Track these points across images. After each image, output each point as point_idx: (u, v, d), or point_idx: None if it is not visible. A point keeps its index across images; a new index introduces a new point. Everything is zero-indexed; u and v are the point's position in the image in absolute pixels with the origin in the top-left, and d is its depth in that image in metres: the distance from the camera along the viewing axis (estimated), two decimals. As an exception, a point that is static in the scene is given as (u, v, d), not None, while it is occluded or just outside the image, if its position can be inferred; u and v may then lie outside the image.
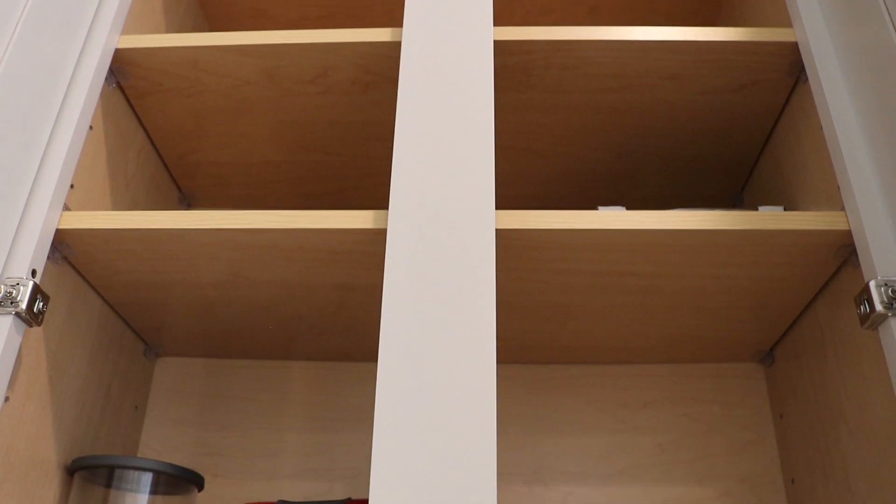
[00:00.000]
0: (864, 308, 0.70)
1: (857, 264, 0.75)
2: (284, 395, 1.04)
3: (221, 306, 0.91)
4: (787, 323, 0.92)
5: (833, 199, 0.78)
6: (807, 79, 0.85)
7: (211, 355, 1.06)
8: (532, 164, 1.04)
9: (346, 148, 1.02)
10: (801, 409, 0.90)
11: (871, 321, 0.70)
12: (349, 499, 0.76)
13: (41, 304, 0.74)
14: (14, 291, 0.71)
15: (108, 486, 0.81)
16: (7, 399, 0.72)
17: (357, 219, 0.74)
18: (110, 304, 0.92)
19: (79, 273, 0.85)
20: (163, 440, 1.02)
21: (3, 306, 0.71)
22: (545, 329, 0.93)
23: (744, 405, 1.01)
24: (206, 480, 0.99)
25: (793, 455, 0.93)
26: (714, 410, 1.00)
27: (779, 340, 0.97)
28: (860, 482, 0.76)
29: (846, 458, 0.79)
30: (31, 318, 0.73)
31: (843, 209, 0.75)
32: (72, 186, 0.82)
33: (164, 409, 1.04)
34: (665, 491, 0.96)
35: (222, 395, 1.04)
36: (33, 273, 0.74)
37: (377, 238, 0.75)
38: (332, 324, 0.94)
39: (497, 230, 0.73)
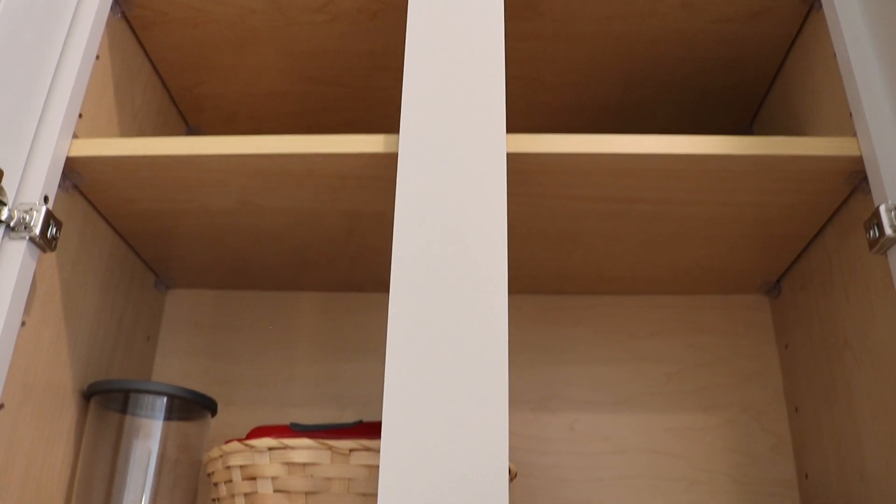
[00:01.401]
0: (874, 233, 0.71)
1: (867, 191, 0.75)
2: (294, 325, 1.05)
3: (231, 235, 0.92)
4: (794, 252, 0.92)
5: (844, 129, 0.78)
6: (821, 6, 0.84)
7: (221, 287, 1.07)
8: (539, 95, 1.03)
9: (354, 78, 1.01)
10: (807, 339, 0.91)
11: (879, 245, 0.70)
12: (361, 422, 0.77)
13: (54, 229, 0.75)
14: (27, 217, 0.72)
15: (124, 411, 0.82)
16: (24, 324, 0.73)
17: (367, 143, 0.74)
18: (121, 235, 0.93)
19: (89, 202, 0.85)
20: (174, 370, 1.03)
21: (17, 231, 0.72)
22: (553, 258, 0.94)
23: (749, 336, 1.02)
24: (218, 408, 1.01)
25: (797, 384, 0.94)
26: (720, 341, 1.01)
27: (786, 271, 0.97)
28: (864, 407, 0.77)
29: (851, 385, 0.80)
30: (44, 243, 0.73)
31: (854, 136, 0.75)
32: (80, 116, 0.82)
33: (175, 340, 1.05)
34: (670, 418, 0.97)
35: (233, 326, 1.05)
36: (45, 199, 0.74)
37: (387, 163, 0.75)
38: (341, 252, 0.94)
39: (508, 154, 0.73)
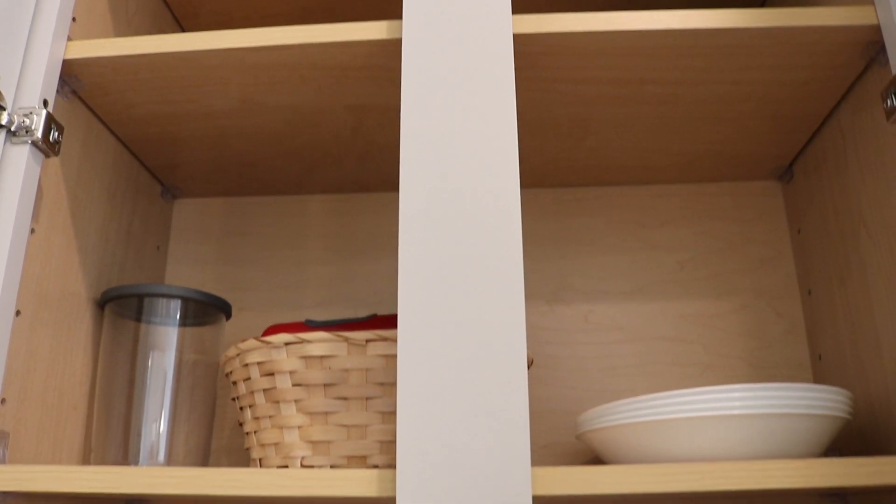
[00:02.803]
0: (891, 101, 0.69)
1: (883, 63, 0.74)
2: (304, 228, 1.04)
3: (235, 138, 0.90)
4: (807, 134, 0.91)
5: (859, 1, 0.75)
6: None
7: (228, 194, 1.06)
8: (544, -17, 1.00)
9: (352, -27, 0.98)
10: (820, 222, 0.90)
11: (897, 114, 0.69)
12: (375, 315, 0.77)
13: (56, 133, 0.74)
14: (28, 121, 0.71)
15: (139, 319, 0.82)
16: (33, 231, 0.73)
17: (370, 30, 0.72)
18: (124, 143, 0.92)
19: (90, 109, 0.84)
20: (186, 278, 1.03)
21: (18, 136, 0.71)
22: (563, 147, 0.92)
23: (761, 222, 1.01)
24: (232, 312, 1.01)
25: (810, 268, 0.93)
26: (732, 228, 1.01)
27: (798, 154, 0.96)
28: (878, 282, 0.77)
29: (865, 262, 0.79)
30: (47, 147, 0.72)
31: (871, 4, 0.73)
32: (74, 20, 0.79)
33: (185, 249, 1.05)
34: (683, 305, 0.98)
35: (242, 233, 1.05)
36: (45, 103, 0.73)
37: (391, 50, 0.73)
38: (347, 151, 0.93)
39: (514, 35, 0.71)
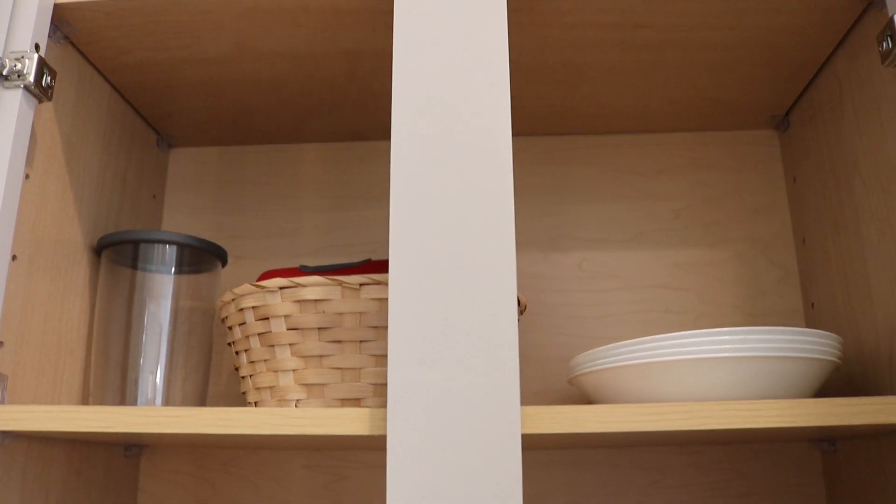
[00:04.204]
0: (887, 44, 0.69)
1: (881, 6, 0.73)
2: (299, 177, 1.05)
3: (229, 84, 0.90)
4: (804, 81, 0.90)
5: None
6: None
7: (224, 143, 1.06)
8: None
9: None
10: (815, 170, 0.90)
11: (893, 57, 0.68)
12: (369, 260, 0.78)
13: (49, 78, 0.74)
14: (20, 65, 0.71)
15: (135, 266, 0.83)
16: (27, 176, 0.73)
17: (362, -28, 0.72)
18: (118, 90, 0.91)
19: (83, 55, 0.84)
20: (183, 227, 1.04)
21: (10, 80, 0.70)
22: (558, 94, 0.92)
23: (757, 171, 1.01)
24: (228, 260, 1.02)
25: (805, 216, 0.94)
26: (728, 177, 1.01)
27: (795, 103, 0.96)
28: (871, 230, 0.77)
29: (858, 209, 0.79)
30: (40, 92, 0.72)
31: (868, -54, 0.72)
32: (64, -37, 0.79)
33: (181, 198, 1.05)
34: (678, 254, 0.98)
35: (238, 181, 1.05)
36: (37, 47, 0.73)
37: (384, -7, 0.73)
38: (342, 98, 0.93)
39: (507, -24, 0.71)
